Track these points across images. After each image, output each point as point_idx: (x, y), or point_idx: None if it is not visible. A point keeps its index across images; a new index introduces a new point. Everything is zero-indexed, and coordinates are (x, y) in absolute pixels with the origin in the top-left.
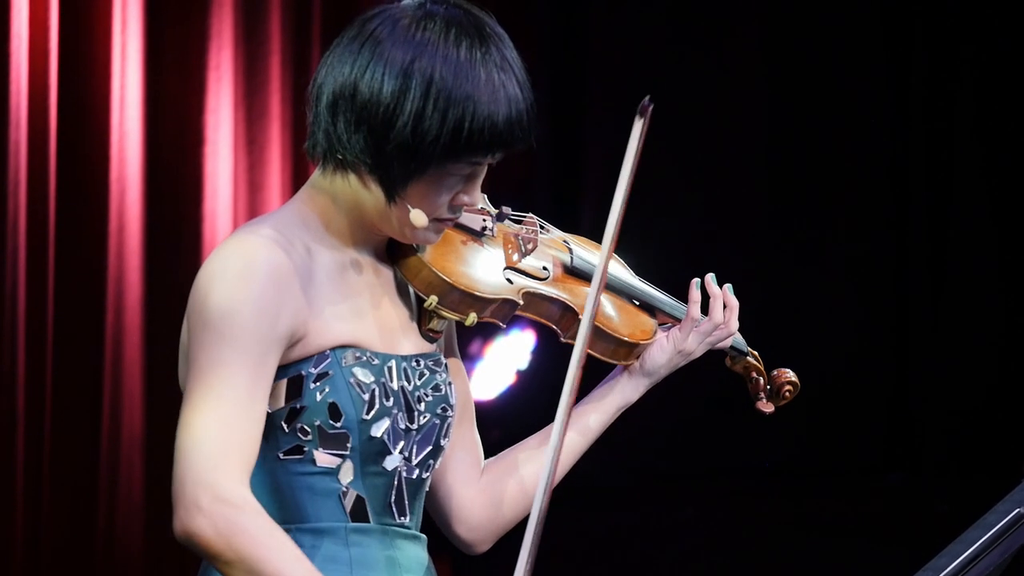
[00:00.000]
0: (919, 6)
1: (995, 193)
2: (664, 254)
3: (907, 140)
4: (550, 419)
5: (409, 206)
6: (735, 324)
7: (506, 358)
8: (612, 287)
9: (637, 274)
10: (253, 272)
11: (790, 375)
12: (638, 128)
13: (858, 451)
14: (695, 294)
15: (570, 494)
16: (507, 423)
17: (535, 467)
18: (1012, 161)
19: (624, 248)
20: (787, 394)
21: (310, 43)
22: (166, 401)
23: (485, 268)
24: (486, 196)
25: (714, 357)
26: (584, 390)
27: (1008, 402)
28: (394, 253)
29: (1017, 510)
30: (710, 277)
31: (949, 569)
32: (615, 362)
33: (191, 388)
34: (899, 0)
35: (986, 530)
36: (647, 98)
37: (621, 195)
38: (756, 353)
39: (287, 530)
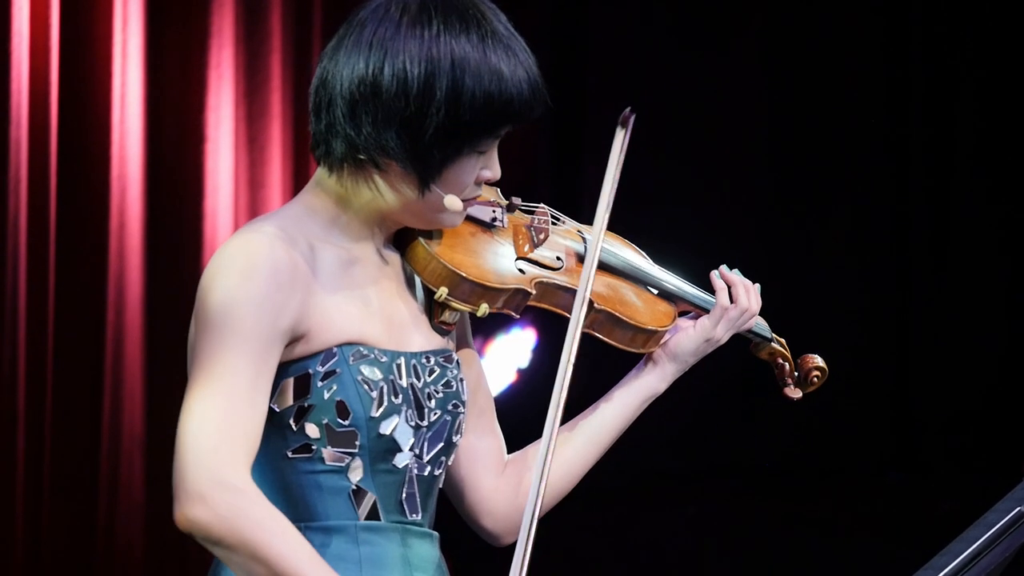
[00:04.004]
0: (919, 3)
1: (996, 193)
2: (666, 248)
3: (908, 138)
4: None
5: (442, 192)
6: (757, 303)
7: (507, 356)
8: (629, 275)
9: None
10: (255, 269)
11: (818, 360)
12: (620, 138)
13: (859, 450)
14: (719, 283)
15: (570, 493)
16: (508, 421)
17: (558, 458)
18: (1013, 159)
19: (631, 239)
20: (815, 379)
21: (311, 42)
22: (167, 400)
23: (495, 258)
24: (498, 188)
25: (732, 345)
26: (610, 382)
27: (1009, 401)
28: (401, 246)
29: (1018, 508)
30: (724, 267)
31: (950, 568)
32: (635, 350)
33: (194, 379)
34: None
35: (987, 528)
36: (628, 109)
37: (605, 204)
38: (782, 340)
39: (297, 528)
